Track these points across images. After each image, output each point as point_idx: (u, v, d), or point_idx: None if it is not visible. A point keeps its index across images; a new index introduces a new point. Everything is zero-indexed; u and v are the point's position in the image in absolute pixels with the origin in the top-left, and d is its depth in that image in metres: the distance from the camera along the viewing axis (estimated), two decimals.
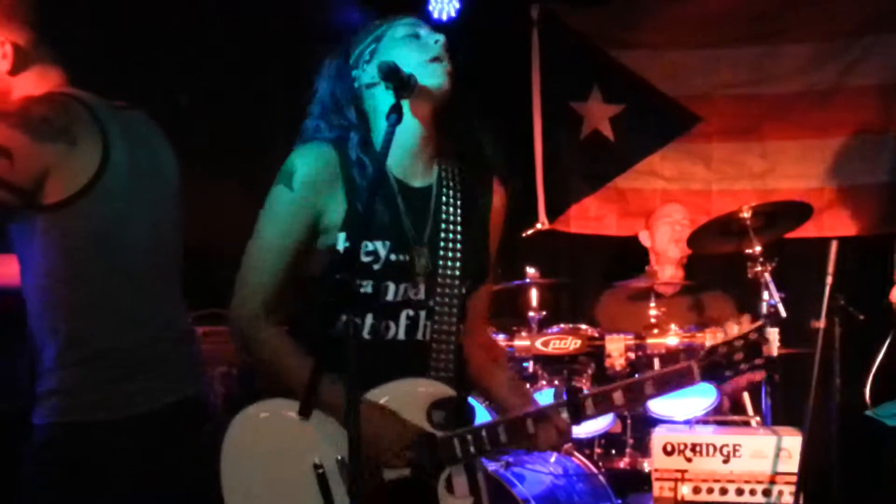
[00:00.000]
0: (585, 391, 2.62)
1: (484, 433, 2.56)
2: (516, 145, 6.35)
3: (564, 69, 6.41)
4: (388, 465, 2.50)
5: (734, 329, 2.63)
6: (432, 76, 2.56)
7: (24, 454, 2.65)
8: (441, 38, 2.63)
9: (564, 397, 2.58)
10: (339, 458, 2.52)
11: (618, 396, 2.60)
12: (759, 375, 4.56)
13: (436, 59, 2.58)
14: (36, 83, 2.78)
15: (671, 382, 2.62)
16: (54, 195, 2.61)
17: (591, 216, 6.44)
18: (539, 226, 5.94)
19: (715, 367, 2.61)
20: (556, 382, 4.70)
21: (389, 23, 2.67)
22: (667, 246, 5.54)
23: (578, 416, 2.59)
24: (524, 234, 5.72)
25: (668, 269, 5.50)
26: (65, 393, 2.66)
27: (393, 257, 2.59)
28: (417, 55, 2.58)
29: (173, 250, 2.93)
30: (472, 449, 2.55)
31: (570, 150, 6.45)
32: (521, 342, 4.77)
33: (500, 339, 4.77)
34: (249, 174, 2.78)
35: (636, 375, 4.61)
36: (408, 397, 2.56)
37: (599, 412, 2.62)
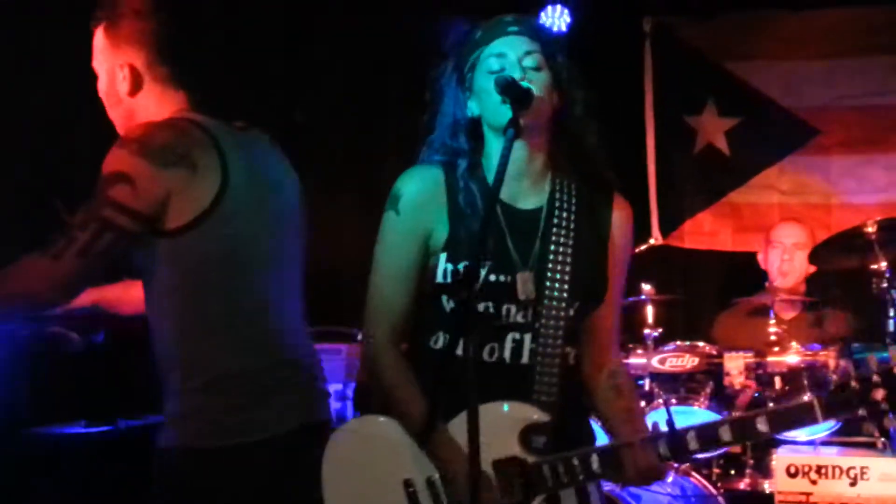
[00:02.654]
0: (689, 426, 2.44)
1: (576, 461, 2.46)
2: (629, 160, 6.29)
3: (678, 82, 6.34)
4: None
5: (874, 363, 2.36)
6: (504, 117, 2.48)
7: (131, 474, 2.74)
8: (531, 60, 2.55)
9: (661, 429, 2.43)
10: (429, 477, 2.51)
11: (725, 432, 2.40)
12: None
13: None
14: (158, 106, 2.81)
15: (788, 420, 2.41)
16: (175, 221, 2.63)
17: (706, 231, 6.35)
18: (652, 241, 5.87)
19: (844, 405, 2.35)
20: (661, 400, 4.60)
21: (482, 47, 2.59)
22: (776, 275, 5.37)
23: (680, 453, 2.44)
24: (637, 250, 5.64)
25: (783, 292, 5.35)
26: (186, 418, 2.68)
27: (493, 278, 2.53)
28: (495, 97, 2.50)
29: (296, 272, 2.91)
30: (563, 478, 2.46)
31: (683, 164, 6.37)
32: (637, 360, 4.70)
33: None
34: (368, 190, 2.77)
35: (756, 395, 4.55)
36: (495, 422, 2.47)
37: (703, 449, 2.44)
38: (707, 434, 2.42)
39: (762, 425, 2.40)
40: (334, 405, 4.45)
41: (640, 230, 6.04)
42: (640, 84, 6.37)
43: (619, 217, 2.69)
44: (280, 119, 5.19)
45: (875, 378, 2.33)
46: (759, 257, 5.56)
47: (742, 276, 5.86)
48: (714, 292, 6.13)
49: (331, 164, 5.19)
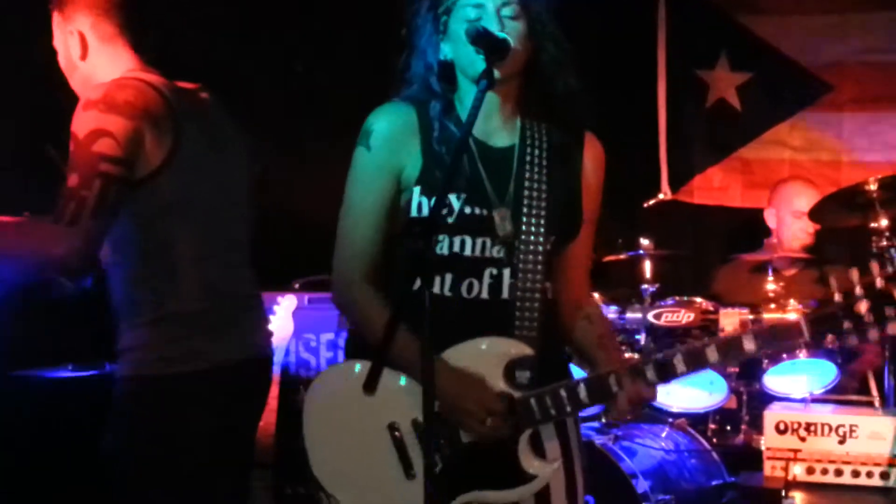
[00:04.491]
0: (675, 348, 2.44)
1: (563, 392, 2.48)
2: (640, 113, 6.25)
3: (691, 36, 6.25)
4: (468, 430, 2.48)
5: (856, 277, 2.31)
6: (478, 66, 2.46)
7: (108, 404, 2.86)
8: (508, 10, 2.53)
9: (652, 356, 2.44)
10: (414, 419, 2.52)
11: (711, 352, 2.41)
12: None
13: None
14: (110, 66, 2.94)
15: (775, 337, 2.39)
16: (141, 171, 2.76)
17: (716, 187, 6.29)
18: (661, 196, 5.83)
19: (829, 319, 2.33)
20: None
21: None
22: (792, 242, 5.33)
23: (666, 376, 2.44)
24: (646, 205, 5.61)
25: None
26: (139, 349, 2.84)
27: (468, 210, 2.54)
28: (469, 47, 2.48)
29: (242, 222, 3.06)
30: (551, 410, 2.48)
31: (694, 118, 6.30)
32: (634, 314, 4.68)
33: (612, 310, 4.70)
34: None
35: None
36: (481, 357, 2.51)
37: (690, 369, 2.43)
38: (694, 355, 2.43)
39: (749, 343, 2.40)
40: (326, 354, 4.50)
41: (650, 184, 6.10)
42: (653, 37, 6.28)
43: (591, 154, 2.71)
44: (279, 69, 5.21)
45: (858, 291, 2.31)
46: (767, 215, 5.51)
47: (750, 231, 5.81)
48: (723, 247, 6.09)
49: (326, 113, 5.18)
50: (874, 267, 2.33)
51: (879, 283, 2.29)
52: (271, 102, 4.96)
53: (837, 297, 2.33)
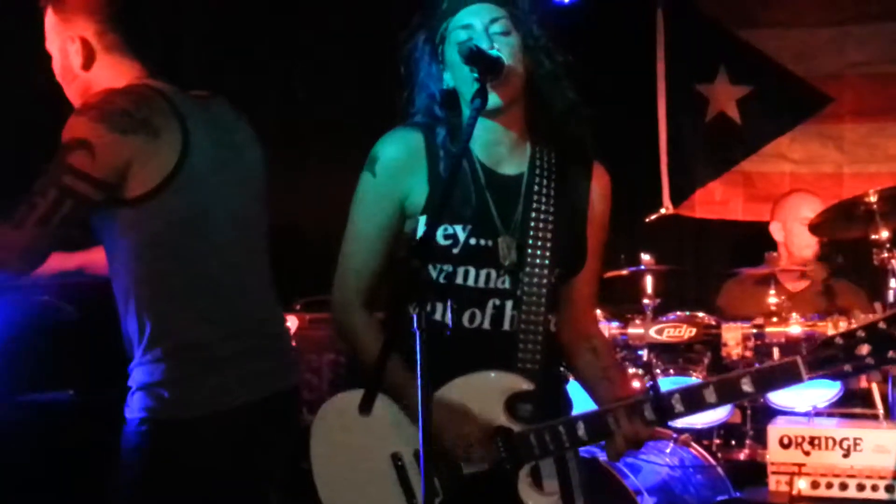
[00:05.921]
0: (672, 388, 2.43)
1: (562, 429, 2.47)
2: (640, 128, 6.25)
3: (690, 50, 6.27)
4: (459, 460, 2.47)
5: (860, 318, 2.36)
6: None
7: (118, 444, 2.71)
8: (498, 27, 2.53)
9: (650, 393, 2.43)
10: (417, 450, 2.50)
11: (709, 394, 2.39)
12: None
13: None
14: (113, 76, 2.79)
15: (773, 380, 2.39)
16: (137, 189, 2.62)
17: (717, 201, 6.30)
18: (663, 210, 5.83)
19: (829, 361, 2.31)
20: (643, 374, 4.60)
21: (449, 19, 2.56)
22: (803, 250, 5.32)
23: (664, 416, 2.44)
24: (647, 220, 5.61)
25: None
26: (152, 388, 2.68)
27: (473, 241, 2.53)
28: (465, 69, 2.47)
29: (260, 238, 2.91)
30: (550, 445, 2.47)
31: (694, 133, 6.32)
32: (635, 330, 4.68)
33: (615, 326, 4.69)
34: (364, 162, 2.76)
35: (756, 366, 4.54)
36: (481, 391, 2.50)
37: (689, 411, 2.42)
38: (692, 396, 2.42)
39: (747, 386, 2.38)
40: (328, 375, 4.49)
41: (651, 199, 6.10)
42: (653, 52, 6.31)
43: (598, 186, 2.71)
44: (283, 87, 5.23)
45: (860, 333, 2.30)
46: (773, 228, 5.50)
47: (752, 245, 5.81)
48: (725, 261, 6.08)
49: (330, 133, 5.19)
50: (878, 307, 2.33)
51: (882, 325, 2.28)
52: (275, 121, 4.97)
53: (839, 339, 2.32)
